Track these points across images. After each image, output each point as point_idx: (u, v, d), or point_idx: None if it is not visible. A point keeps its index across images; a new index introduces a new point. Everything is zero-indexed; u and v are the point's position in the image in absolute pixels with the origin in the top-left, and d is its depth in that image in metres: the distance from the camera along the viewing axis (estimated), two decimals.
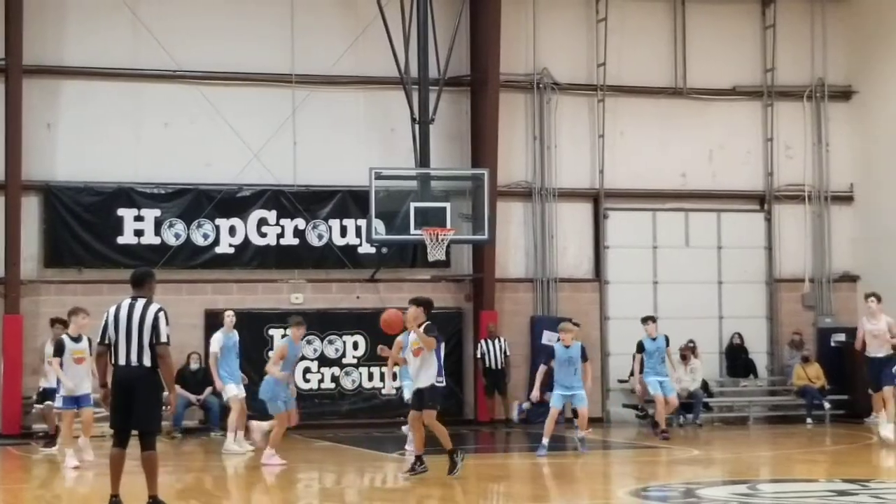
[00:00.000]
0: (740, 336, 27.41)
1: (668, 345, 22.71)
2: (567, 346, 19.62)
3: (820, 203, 28.70)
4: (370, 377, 25.97)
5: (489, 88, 26.30)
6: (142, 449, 12.31)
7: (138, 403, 12.22)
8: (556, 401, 19.59)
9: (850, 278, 28.67)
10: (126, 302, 12.42)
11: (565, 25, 27.60)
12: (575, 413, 19.91)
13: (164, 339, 12.23)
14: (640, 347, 22.36)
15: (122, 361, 12.26)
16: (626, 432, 24.55)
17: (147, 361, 12.21)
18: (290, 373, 18.83)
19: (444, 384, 16.55)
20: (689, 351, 25.86)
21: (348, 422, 25.40)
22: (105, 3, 25.08)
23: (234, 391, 20.20)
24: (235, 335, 20.83)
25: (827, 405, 26.22)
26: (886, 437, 19.92)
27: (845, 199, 28.85)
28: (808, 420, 25.79)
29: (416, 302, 16.44)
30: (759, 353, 27.91)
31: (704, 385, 26.16)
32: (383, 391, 24.97)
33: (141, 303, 12.35)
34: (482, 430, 25.11)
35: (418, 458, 16.24)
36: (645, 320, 22.67)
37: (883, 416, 20.23)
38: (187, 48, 25.44)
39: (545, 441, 19.10)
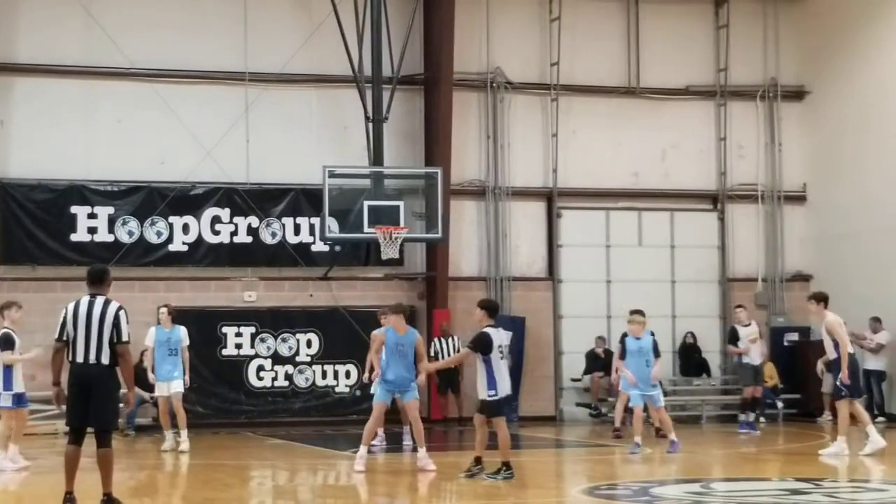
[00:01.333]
0: (693, 335, 27.53)
1: (655, 350, 19.95)
2: (638, 338, 19.59)
3: (773, 202, 28.85)
4: (324, 375, 25.95)
5: (442, 87, 26.31)
6: (98, 446, 12.28)
7: (96, 401, 12.21)
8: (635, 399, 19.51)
9: (802, 278, 28.83)
10: (85, 299, 12.39)
11: (519, 24, 27.65)
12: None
13: (125, 338, 12.25)
14: (622, 341, 20.54)
15: (80, 359, 12.25)
16: (580, 431, 24.61)
17: (105, 359, 12.21)
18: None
19: (496, 396, 15.45)
20: None
21: (301, 419, 25.36)
22: (58, 0, 24.94)
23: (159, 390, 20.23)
24: (172, 331, 20.37)
25: (780, 404, 26.37)
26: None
27: (798, 198, 29.02)
28: (762, 419, 25.91)
29: (480, 304, 16.14)
30: (711, 353, 28.05)
31: (658, 384, 26.20)
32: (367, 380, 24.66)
33: (100, 301, 12.33)
34: (435, 427, 25.08)
35: (476, 459, 15.76)
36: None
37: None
38: (140, 45, 25.36)
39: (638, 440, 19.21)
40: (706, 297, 28.33)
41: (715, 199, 28.73)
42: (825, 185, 28.47)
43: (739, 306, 24.74)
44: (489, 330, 15.57)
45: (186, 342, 20.46)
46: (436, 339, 25.25)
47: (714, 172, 28.71)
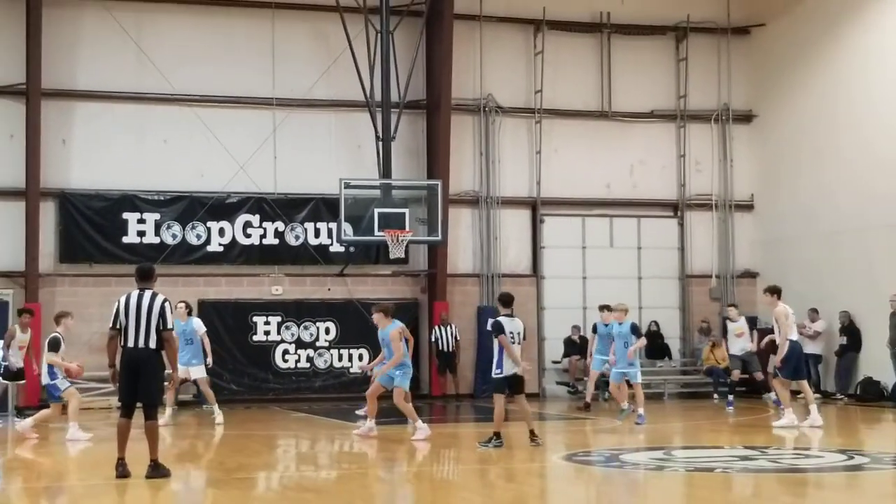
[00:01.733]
0: (657, 324, 27.46)
1: (634, 332, 19.93)
2: (620, 324, 19.81)
3: (725, 210, 28.78)
4: (340, 358, 25.89)
5: (442, 111, 26.26)
6: (146, 419, 12.37)
7: (144, 380, 12.30)
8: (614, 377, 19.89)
9: (750, 275, 28.76)
10: (135, 293, 12.47)
11: (508, 57, 27.59)
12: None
13: (169, 325, 12.42)
14: (594, 329, 21.83)
15: (130, 344, 12.34)
16: (559, 406, 24.58)
17: (152, 344, 12.34)
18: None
19: (500, 374, 15.49)
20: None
21: (321, 396, 25.31)
22: (112, 35, 24.89)
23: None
24: (187, 323, 20.12)
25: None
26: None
27: (747, 207, 28.94)
28: (715, 396, 25.84)
29: (498, 297, 16.78)
30: (672, 339, 27.98)
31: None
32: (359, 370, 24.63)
33: (148, 294, 12.45)
34: (435, 403, 25.08)
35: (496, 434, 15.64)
36: (601, 308, 21.78)
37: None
38: (183, 75, 25.29)
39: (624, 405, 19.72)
40: (668, 292, 28.26)
41: (676, 208, 28.65)
42: (770, 195, 28.42)
43: (731, 305, 25.13)
44: (503, 318, 15.72)
45: (202, 331, 20.35)
46: (436, 327, 25.22)
47: (675, 184, 28.63)
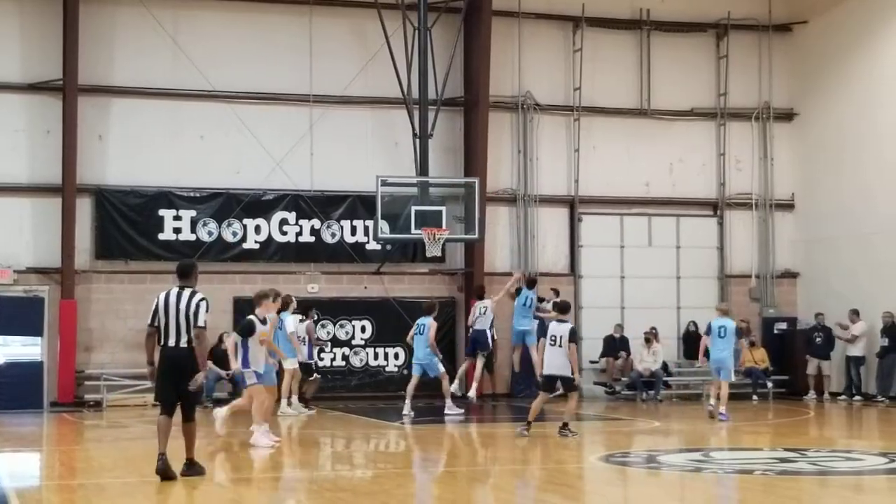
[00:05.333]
0: (695, 324, 27.32)
1: (736, 333, 21.35)
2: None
3: (765, 209, 28.64)
4: (375, 356, 25.95)
5: (480, 108, 26.28)
6: (184, 420, 12.43)
7: (184, 381, 12.24)
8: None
9: (790, 275, 28.62)
10: (174, 290, 12.44)
11: (546, 54, 27.56)
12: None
13: (201, 323, 12.26)
14: (707, 329, 21.38)
15: (171, 343, 12.29)
16: (597, 406, 24.53)
17: (192, 343, 12.29)
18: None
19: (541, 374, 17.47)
20: (651, 336, 25.87)
21: (356, 395, 25.37)
22: (149, 31, 25.03)
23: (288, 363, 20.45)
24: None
25: (770, 384, 26.20)
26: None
27: (787, 206, 28.79)
28: (754, 397, 25.77)
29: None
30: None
31: (664, 366, 26.16)
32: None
33: (187, 292, 12.39)
34: (476, 402, 25.03)
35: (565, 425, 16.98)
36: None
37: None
38: (220, 71, 25.41)
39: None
40: (706, 292, 28.10)
41: (715, 207, 28.55)
42: (810, 194, 28.27)
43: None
44: (553, 323, 17.05)
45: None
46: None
47: (715, 183, 28.53)
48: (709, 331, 20.87)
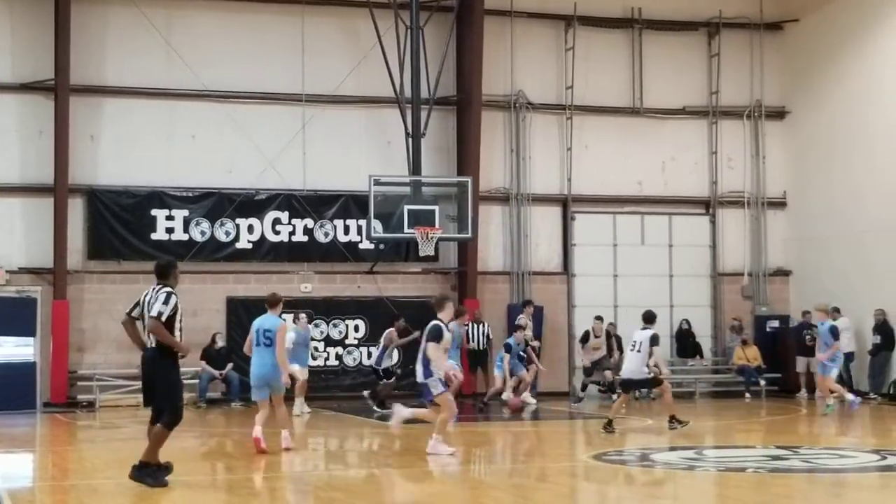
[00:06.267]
0: (688, 322, 27.41)
1: (832, 333, 21.17)
2: (822, 323, 21.05)
3: (757, 208, 28.70)
4: (369, 356, 25.88)
5: (472, 107, 26.31)
6: (152, 421, 11.90)
7: (155, 382, 11.82)
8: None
9: (783, 273, 28.69)
10: (149, 289, 11.95)
11: (538, 53, 27.60)
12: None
13: (153, 312, 11.53)
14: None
15: (148, 344, 11.83)
16: (590, 404, 24.54)
17: (155, 342, 11.70)
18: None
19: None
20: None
21: (350, 394, 25.35)
22: (141, 31, 25.02)
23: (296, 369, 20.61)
24: (305, 332, 21.93)
25: (762, 382, 26.24)
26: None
27: (779, 204, 28.85)
28: (747, 395, 25.82)
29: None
30: (704, 337, 27.93)
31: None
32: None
33: (156, 289, 11.80)
34: (466, 401, 25.06)
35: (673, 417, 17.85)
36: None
37: None
38: (213, 71, 25.41)
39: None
40: (699, 290, 28.21)
41: (707, 205, 28.60)
42: (802, 192, 28.33)
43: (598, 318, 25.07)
44: (637, 330, 18.17)
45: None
46: (469, 324, 25.06)
47: (707, 181, 28.59)
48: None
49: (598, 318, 24.76)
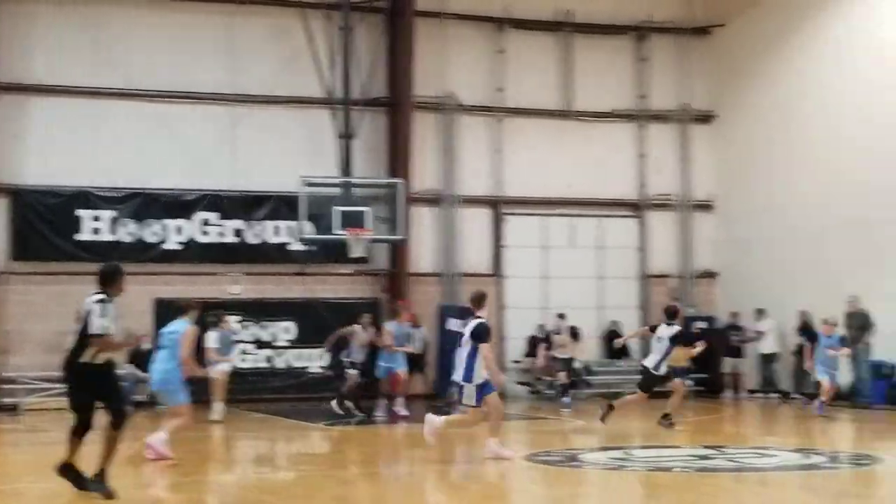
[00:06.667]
0: (616, 324, 27.58)
1: (842, 342, 21.49)
2: (828, 336, 21.02)
3: (685, 210, 28.98)
4: (298, 357, 25.85)
5: (404, 109, 26.30)
6: (114, 427, 11.23)
7: (110, 388, 11.32)
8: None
9: (709, 274, 28.99)
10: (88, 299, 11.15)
11: (470, 56, 27.65)
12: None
13: (97, 330, 10.86)
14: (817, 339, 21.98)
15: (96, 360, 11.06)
16: (520, 405, 24.62)
17: (85, 357, 10.95)
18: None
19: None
20: (572, 336, 25.97)
21: (279, 396, 25.21)
22: (69, 29, 24.74)
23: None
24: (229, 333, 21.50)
25: (689, 382, 26.44)
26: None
27: (706, 206, 29.15)
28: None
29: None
30: (632, 339, 28.05)
31: (586, 365, 26.33)
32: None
33: (93, 300, 11.04)
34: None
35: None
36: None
37: None
38: (141, 69, 25.16)
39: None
40: (628, 292, 28.44)
41: (636, 207, 28.83)
42: (729, 195, 28.66)
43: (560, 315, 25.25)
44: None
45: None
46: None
47: (635, 184, 28.82)
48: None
49: (561, 315, 24.72)
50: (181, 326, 14.63)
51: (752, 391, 26.75)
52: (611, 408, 18.31)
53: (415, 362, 24.74)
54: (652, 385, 18.60)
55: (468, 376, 13.87)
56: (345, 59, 25.38)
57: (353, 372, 21.47)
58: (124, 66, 24.90)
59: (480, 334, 13.86)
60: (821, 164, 25.58)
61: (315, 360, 25.85)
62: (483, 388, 13.91)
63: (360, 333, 21.41)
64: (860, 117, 24.67)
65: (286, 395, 25.31)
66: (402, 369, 21.57)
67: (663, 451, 15.79)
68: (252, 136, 25.87)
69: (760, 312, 25.69)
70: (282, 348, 25.79)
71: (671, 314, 18.58)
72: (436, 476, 13.92)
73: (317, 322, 25.38)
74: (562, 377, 23.69)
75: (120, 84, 24.96)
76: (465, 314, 22.60)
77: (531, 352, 26.71)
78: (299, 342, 25.78)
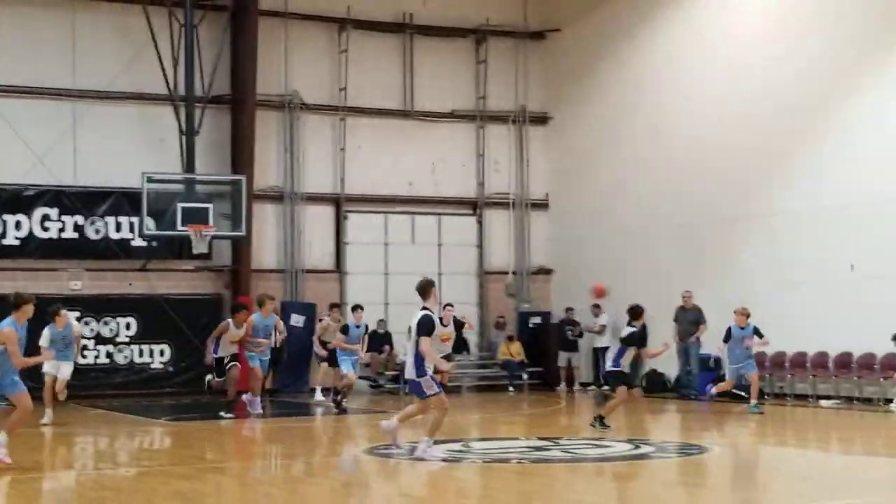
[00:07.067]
0: (456, 319, 27.70)
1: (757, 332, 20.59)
2: (742, 327, 20.39)
3: (521, 209, 29.36)
4: (140, 353, 25.39)
5: (247, 106, 26.03)
6: None
7: None
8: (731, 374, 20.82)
9: (545, 271, 29.44)
10: None
11: (313, 55, 27.53)
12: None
13: None
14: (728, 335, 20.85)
15: None
16: (362, 400, 24.63)
17: None
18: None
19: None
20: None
21: (121, 392, 24.71)
22: None
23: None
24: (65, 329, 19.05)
25: (525, 376, 26.86)
26: None
27: (542, 205, 29.59)
28: (510, 388, 26.38)
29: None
30: (471, 333, 28.38)
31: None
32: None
33: None
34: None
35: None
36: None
37: None
38: None
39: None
40: (467, 288, 28.68)
41: (475, 206, 29.09)
42: (563, 195, 29.14)
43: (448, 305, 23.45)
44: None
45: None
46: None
47: (474, 183, 29.09)
48: (728, 338, 20.72)
49: (449, 305, 22.99)
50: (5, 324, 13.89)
51: (584, 384, 27.28)
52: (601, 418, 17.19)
53: (273, 357, 24.07)
54: (624, 381, 17.25)
55: (420, 371, 13.36)
56: (188, 57, 24.99)
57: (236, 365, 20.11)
58: None
59: (422, 327, 13.31)
60: (648, 167, 26.24)
61: (157, 356, 25.47)
62: (432, 385, 13.42)
63: (232, 329, 20.26)
64: (683, 126, 25.42)
65: (128, 391, 24.81)
66: (258, 365, 20.36)
67: (501, 443, 16.00)
68: (93, 131, 25.27)
69: (597, 308, 26.15)
70: (123, 344, 25.26)
71: (634, 314, 17.37)
72: (276, 470, 13.82)
73: (159, 318, 25.02)
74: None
75: None
76: (307, 310, 22.58)
77: (371, 347, 26.67)
78: (141, 338, 25.33)
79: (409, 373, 13.55)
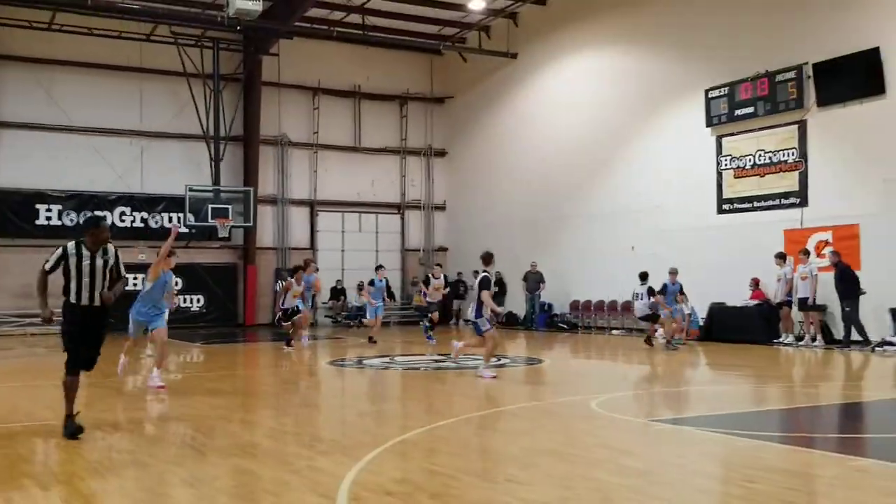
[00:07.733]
0: (387, 280, 27.40)
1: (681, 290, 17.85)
2: (673, 284, 17.45)
3: (429, 210, 29.34)
4: (185, 301, 24.89)
5: (253, 143, 25.75)
6: (79, 372, 8.05)
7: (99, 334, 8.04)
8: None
9: (443, 249, 29.38)
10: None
11: (296, 110, 27.16)
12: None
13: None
14: (664, 288, 17.63)
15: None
16: (326, 331, 24.56)
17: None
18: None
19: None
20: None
21: (171, 326, 23.09)
22: None
23: None
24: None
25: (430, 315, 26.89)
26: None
27: (441, 208, 29.56)
28: (421, 323, 25.71)
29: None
30: (396, 288, 28.02)
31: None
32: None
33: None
34: (248, 330, 24.63)
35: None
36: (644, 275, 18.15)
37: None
38: (76, 105, 23.79)
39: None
40: (394, 259, 28.33)
41: (399, 208, 28.95)
42: (456, 201, 29.27)
43: (437, 265, 20.86)
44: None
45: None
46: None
47: (398, 193, 28.98)
48: (664, 290, 17.46)
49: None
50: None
51: (467, 320, 27.35)
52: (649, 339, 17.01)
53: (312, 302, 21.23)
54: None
55: (478, 314, 12.31)
56: (215, 110, 24.85)
57: (304, 309, 17.57)
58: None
59: (482, 283, 12.27)
60: (509, 183, 26.65)
61: (195, 303, 25.30)
62: (485, 324, 12.24)
63: (294, 286, 17.25)
64: (531, 157, 25.86)
65: (176, 325, 23.81)
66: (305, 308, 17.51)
67: (414, 357, 15.92)
68: (154, 158, 25.00)
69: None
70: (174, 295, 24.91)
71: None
72: (260, 379, 13.79)
73: (196, 278, 24.94)
74: (435, 316, 19.35)
75: None
76: (293, 273, 21.44)
77: (333, 297, 26.84)
78: (185, 291, 25.04)
79: (470, 315, 12.46)
